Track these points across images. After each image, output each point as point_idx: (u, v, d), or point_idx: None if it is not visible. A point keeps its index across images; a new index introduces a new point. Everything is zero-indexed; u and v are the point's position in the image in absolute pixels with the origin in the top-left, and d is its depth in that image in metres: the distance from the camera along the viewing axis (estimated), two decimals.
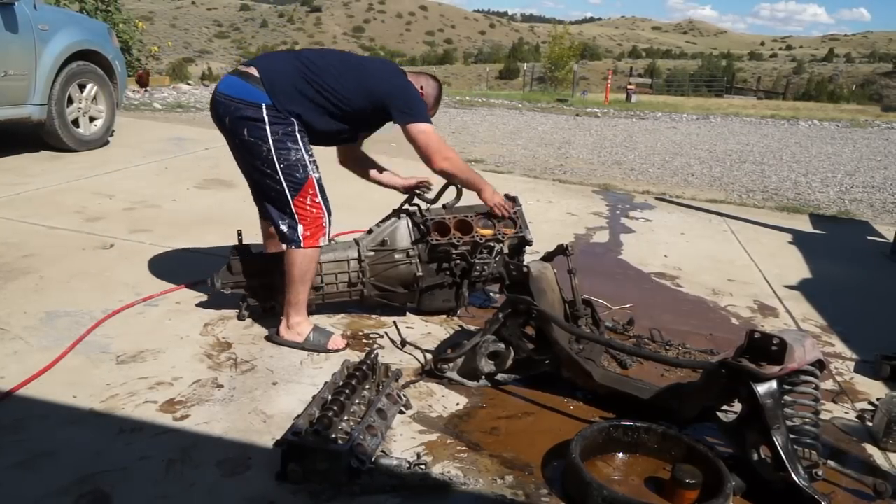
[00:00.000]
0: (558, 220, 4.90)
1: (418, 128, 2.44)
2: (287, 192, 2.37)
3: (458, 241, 2.81)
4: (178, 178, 4.98)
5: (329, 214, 2.47)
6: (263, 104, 2.32)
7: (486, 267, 2.86)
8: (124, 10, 11.16)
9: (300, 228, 2.39)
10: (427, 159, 2.48)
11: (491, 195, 2.75)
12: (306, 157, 2.39)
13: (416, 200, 2.94)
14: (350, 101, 2.43)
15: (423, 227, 2.83)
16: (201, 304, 2.81)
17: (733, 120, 14.63)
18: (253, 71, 2.38)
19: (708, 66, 70.50)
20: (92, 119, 5.74)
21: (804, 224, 5.60)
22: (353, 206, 3.76)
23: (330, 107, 2.42)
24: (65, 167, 5.03)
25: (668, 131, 12.03)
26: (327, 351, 2.51)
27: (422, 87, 2.60)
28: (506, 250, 2.91)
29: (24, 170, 4.83)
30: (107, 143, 5.93)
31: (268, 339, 2.56)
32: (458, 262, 2.85)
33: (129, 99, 8.69)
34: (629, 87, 20.59)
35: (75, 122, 5.52)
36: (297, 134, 2.37)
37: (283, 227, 2.41)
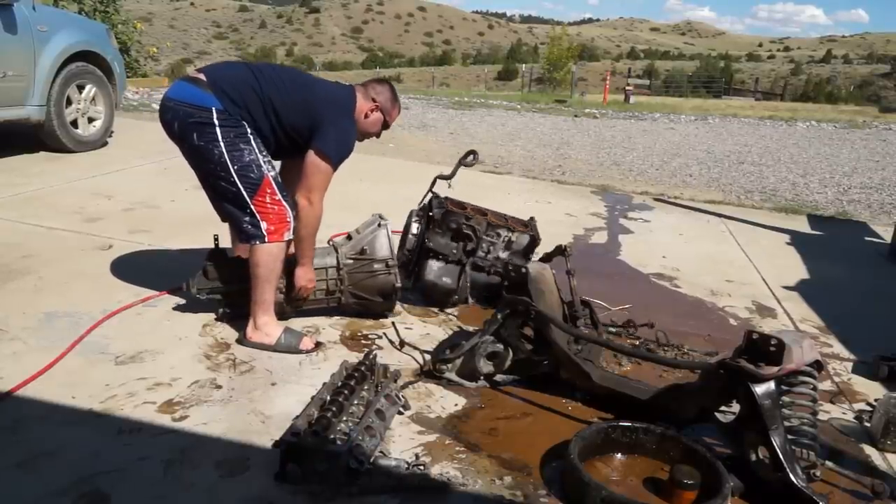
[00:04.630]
0: (557, 221, 4.90)
1: (324, 160, 2.43)
2: (244, 193, 2.36)
3: (471, 215, 2.93)
4: (177, 178, 4.97)
5: (293, 209, 2.44)
6: (213, 108, 2.31)
7: (491, 248, 2.93)
8: (122, 11, 11.16)
9: (263, 224, 2.38)
10: (302, 184, 2.46)
11: (303, 272, 2.61)
12: (260, 157, 2.38)
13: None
14: (289, 115, 2.43)
15: (440, 205, 2.97)
16: (200, 305, 2.80)
17: (731, 121, 14.64)
18: (202, 76, 2.39)
19: (706, 67, 70.52)
20: (91, 120, 5.73)
21: (802, 225, 5.61)
22: (354, 206, 3.77)
23: (272, 117, 2.42)
24: (64, 168, 5.02)
25: (667, 132, 12.04)
26: (299, 352, 2.49)
27: (374, 100, 2.60)
28: (514, 239, 3.00)
29: (23, 171, 4.83)
30: (105, 143, 5.92)
31: (238, 342, 2.53)
32: (467, 233, 2.92)
33: (127, 100, 8.69)
34: (627, 88, 20.62)
35: (74, 123, 5.52)
36: (248, 136, 2.37)
37: (246, 226, 2.40)
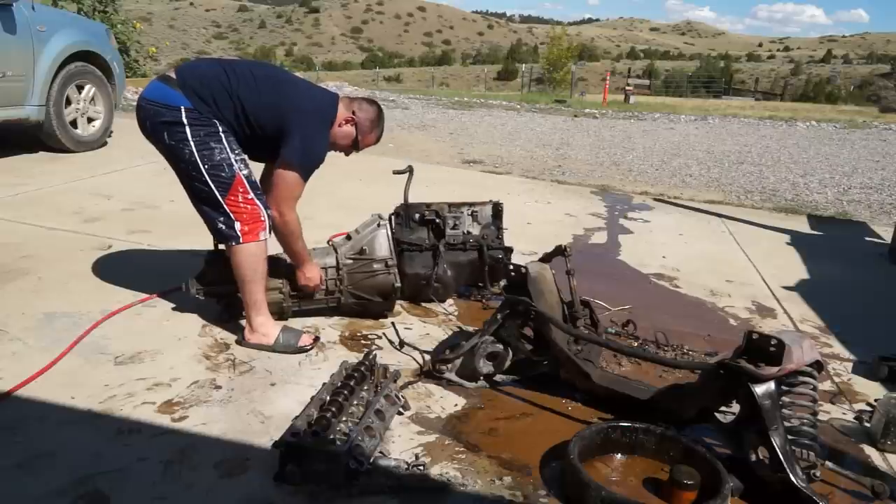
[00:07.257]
0: (556, 221, 4.90)
1: (289, 168, 2.39)
2: (216, 192, 2.34)
3: (431, 204, 3.17)
4: (176, 179, 4.94)
5: (266, 209, 2.42)
6: (182, 107, 2.29)
7: (458, 223, 3.11)
8: (122, 11, 11.17)
9: (237, 224, 2.36)
10: (272, 196, 2.44)
11: (307, 272, 2.63)
12: (231, 155, 2.35)
13: None
14: (258, 116, 2.39)
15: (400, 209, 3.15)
16: (199, 306, 2.79)
17: (731, 121, 14.64)
18: (173, 75, 2.37)
19: (706, 67, 70.42)
20: (90, 120, 5.74)
21: (802, 225, 5.61)
22: (355, 206, 3.76)
23: (241, 116, 2.39)
24: (63, 168, 5.02)
25: (667, 132, 12.04)
26: (298, 350, 2.48)
27: (353, 113, 2.55)
28: (477, 210, 3.16)
29: (23, 171, 4.82)
30: (105, 143, 5.93)
31: (237, 343, 2.52)
32: (431, 217, 3.11)
33: (127, 100, 8.68)
34: (627, 88, 20.66)
35: (73, 123, 5.52)
36: (220, 134, 2.34)
37: (220, 226, 2.38)
